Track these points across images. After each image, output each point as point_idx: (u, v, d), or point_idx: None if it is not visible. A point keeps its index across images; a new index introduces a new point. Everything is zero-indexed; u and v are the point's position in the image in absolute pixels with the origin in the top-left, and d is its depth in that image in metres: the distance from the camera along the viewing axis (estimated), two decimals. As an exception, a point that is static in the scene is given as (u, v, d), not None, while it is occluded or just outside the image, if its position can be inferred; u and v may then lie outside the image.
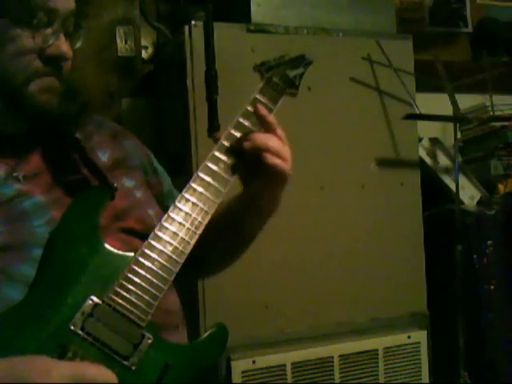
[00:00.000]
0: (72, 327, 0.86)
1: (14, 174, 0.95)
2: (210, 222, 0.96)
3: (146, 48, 2.29)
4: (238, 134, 1.00)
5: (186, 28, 1.82)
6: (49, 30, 0.94)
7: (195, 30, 1.81)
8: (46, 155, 1.01)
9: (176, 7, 2.24)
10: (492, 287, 2.17)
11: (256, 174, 1.02)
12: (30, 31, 0.92)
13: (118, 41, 2.20)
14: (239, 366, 1.79)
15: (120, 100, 2.18)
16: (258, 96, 1.03)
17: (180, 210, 0.94)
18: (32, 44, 0.93)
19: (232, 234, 1.14)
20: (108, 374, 0.82)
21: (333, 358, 1.90)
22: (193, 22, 1.82)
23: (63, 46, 0.95)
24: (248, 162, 1.00)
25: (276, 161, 1.00)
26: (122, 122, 2.17)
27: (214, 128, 1.54)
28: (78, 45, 1.01)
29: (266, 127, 1.02)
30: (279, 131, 1.03)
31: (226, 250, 1.19)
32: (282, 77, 1.07)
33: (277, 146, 1.00)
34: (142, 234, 0.97)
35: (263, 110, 1.01)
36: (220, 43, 1.66)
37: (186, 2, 2.12)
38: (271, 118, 1.02)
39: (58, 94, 0.97)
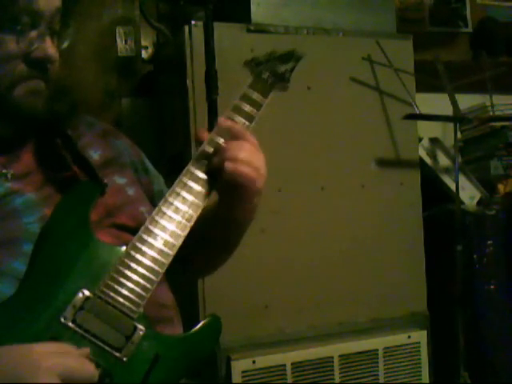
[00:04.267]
0: (63, 320, 0.86)
1: (3, 171, 0.96)
2: (192, 230, 0.95)
3: (146, 48, 2.29)
4: (211, 150, 0.99)
5: (186, 28, 1.82)
6: (34, 33, 0.93)
7: (195, 30, 1.81)
8: (38, 153, 1.01)
9: (176, 7, 2.24)
10: (492, 287, 2.17)
11: (229, 186, 0.99)
12: (14, 36, 0.91)
13: (118, 41, 2.20)
14: (239, 366, 1.79)
15: (120, 100, 2.18)
16: (247, 90, 1.04)
17: (171, 203, 0.94)
18: (16, 49, 0.92)
19: (212, 242, 1.13)
20: (89, 369, 0.81)
21: (333, 358, 1.90)
22: (193, 22, 1.82)
23: (49, 48, 0.94)
24: (221, 175, 0.98)
25: (245, 169, 0.97)
26: (122, 122, 2.17)
27: (214, 128, 1.54)
28: (66, 44, 1.00)
29: (238, 138, 0.99)
30: (251, 139, 1.00)
31: (209, 257, 1.18)
32: (272, 71, 1.08)
33: (247, 156, 0.98)
34: (133, 230, 0.97)
35: (227, 123, 1.00)
36: (220, 43, 1.66)
37: (186, 2, 2.12)
38: (238, 128, 1.00)
39: (44, 96, 0.97)
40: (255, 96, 1.04)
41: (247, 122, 1.02)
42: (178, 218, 0.94)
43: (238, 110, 1.02)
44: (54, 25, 0.96)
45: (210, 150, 0.99)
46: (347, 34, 2.02)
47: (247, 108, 1.03)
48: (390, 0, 2.13)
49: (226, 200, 1.03)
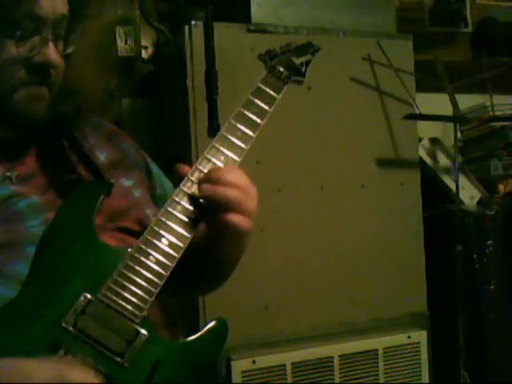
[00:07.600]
0: (64, 324, 0.84)
1: (7, 174, 0.95)
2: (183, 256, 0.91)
3: (146, 48, 2.29)
4: (203, 171, 0.94)
5: (186, 28, 1.82)
6: (36, 38, 0.92)
7: (195, 30, 1.80)
8: (42, 156, 1.01)
9: (176, 7, 2.24)
10: (492, 287, 2.17)
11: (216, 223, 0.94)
12: (14, 41, 0.91)
13: (118, 41, 2.20)
14: (239, 366, 1.79)
15: (120, 100, 2.18)
16: (260, 85, 1.01)
17: (177, 203, 0.92)
18: (16, 53, 0.91)
19: (201, 273, 1.10)
20: (90, 378, 0.79)
21: (333, 358, 1.90)
22: (193, 22, 1.81)
23: (51, 53, 0.93)
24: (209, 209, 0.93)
25: (234, 218, 0.91)
26: (122, 122, 2.17)
27: (214, 128, 1.54)
28: (71, 49, 1.00)
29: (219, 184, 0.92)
30: (236, 179, 0.93)
31: (199, 285, 1.17)
32: (287, 64, 1.05)
33: (237, 198, 0.91)
34: (138, 234, 0.95)
35: (216, 173, 0.93)
36: (220, 43, 1.65)
37: (186, 2, 2.12)
38: (228, 175, 0.92)
39: (46, 102, 0.96)
40: (268, 91, 1.00)
41: (259, 120, 0.98)
42: (184, 218, 0.91)
43: (249, 107, 0.99)
44: (58, 30, 0.95)
45: (193, 181, 0.94)
46: (347, 34, 2.01)
47: (259, 104, 0.99)
48: (390, 0, 2.13)
49: (213, 236, 0.98)
